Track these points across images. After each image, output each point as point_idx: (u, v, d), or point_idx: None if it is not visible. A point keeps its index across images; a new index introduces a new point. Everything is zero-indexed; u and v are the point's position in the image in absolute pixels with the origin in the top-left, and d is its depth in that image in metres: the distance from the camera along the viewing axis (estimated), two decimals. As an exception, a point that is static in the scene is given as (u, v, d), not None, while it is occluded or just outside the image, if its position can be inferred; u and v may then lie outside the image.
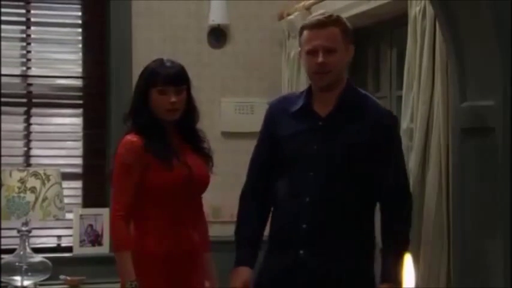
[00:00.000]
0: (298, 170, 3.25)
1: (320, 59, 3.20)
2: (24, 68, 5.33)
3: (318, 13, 3.33)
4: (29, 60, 5.34)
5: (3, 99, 5.10)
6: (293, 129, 3.28)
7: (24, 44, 5.33)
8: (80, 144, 5.34)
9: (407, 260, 2.13)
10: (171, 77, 3.43)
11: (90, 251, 5.15)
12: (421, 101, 3.87)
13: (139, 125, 3.43)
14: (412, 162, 3.93)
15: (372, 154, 3.22)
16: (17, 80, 5.30)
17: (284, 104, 3.38)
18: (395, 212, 3.27)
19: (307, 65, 3.28)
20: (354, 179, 3.23)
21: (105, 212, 5.15)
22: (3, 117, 5.09)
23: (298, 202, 3.24)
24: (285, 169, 3.29)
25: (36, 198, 4.71)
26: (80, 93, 5.36)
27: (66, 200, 4.92)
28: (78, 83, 5.38)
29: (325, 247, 3.21)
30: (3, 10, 5.13)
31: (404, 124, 4.04)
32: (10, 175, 4.72)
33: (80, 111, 5.36)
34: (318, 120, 3.27)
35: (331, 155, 3.22)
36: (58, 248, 5.26)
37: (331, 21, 3.24)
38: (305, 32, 3.28)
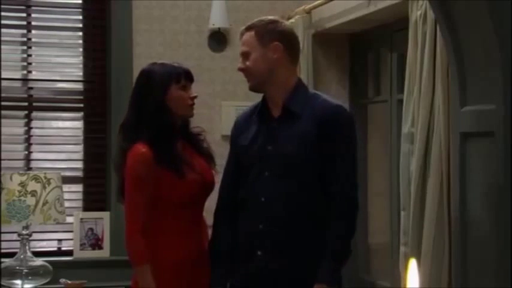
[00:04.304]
0: (256, 172, 3.30)
1: (238, 65, 3.37)
2: (24, 72, 5.33)
3: None
4: (29, 64, 5.34)
5: (3, 103, 5.10)
6: (252, 134, 3.35)
7: (25, 47, 5.34)
8: (80, 147, 5.35)
9: (412, 263, 2.14)
10: (190, 73, 3.47)
11: (90, 254, 5.15)
12: (421, 106, 3.88)
13: (154, 132, 3.35)
14: (413, 166, 3.94)
15: (320, 152, 3.23)
16: (18, 84, 5.30)
17: (248, 115, 3.44)
18: (336, 217, 3.21)
19: None
20: (306, 178, 3.24)
21: (105, 216, 5.16)
22: (3, 121, 5.09)
23: (254, 203, 3.28)
24: (246, 175, 3.34)
25: (37, 202, 4.71)
26: (81, 97, 5.37)
27: (66, 204, 4.92)
28: (79, 86, 5.39)
29: (282, 247, 3.23)
30: (3, 14, 5.13)
31: (405, 128, 4.05)
32: (11, 179, 4.72)
33: (80, 114, 5.37)
34: (271, 122, 3.33)
35: (282, 154, 3.26)
36: (58, 252, 5.27)
37: (247, 27, 3.36)
38: None
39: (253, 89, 3.37)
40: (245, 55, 3.33)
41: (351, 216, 3.25)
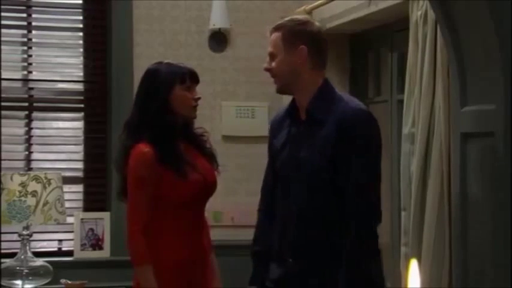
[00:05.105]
0: (287, 178, 3.24)
1: (264, 65, 3.28)
2: (25, 72, 5.33)
3: None
4: (30, 64, 5.34)
5: (4, 104, 5.10)
6: (283, 138, 3.28)
7: (25, 48, 5.34)
8: (81, 148, 5.35)
9: (413, 264, 2.13)
10: (195, 74, 3.48)
11: (91, 255, 5.15)
12: (422, 106, 3.88)
13: (157, 132, 3.36)
14: (413, 166, 3.94)
15: (338, 159, 3.12)
16: (18, 84, 5.30)
17: (281, 116, 3.35)
18: (350, 222, 3.09)
19: None
20: (329, 187, 3.14)
21: (106, 216, 5.16)
22: (4, 121, 5.09)
23: (287, 210, 3.22)
24: (279, 179, 3.29)
25: (37, 202, 4.71)
26: (81, 97, 5.37)
27: (67, 204, 4.93)
28: (79, 87, 5.39)
29: (312, 256, 3.17)
30: (4, 14, 5.13)
31: (406, 129, 4.05)
32: (11, 179, 4.73)
33: (81, 115, 5.37)
34: (300, 125, 3.24)
35: (306, 161, 3.17)
36: (59, 252, 5.26)
37: (275, 27, 3.27)
38: None
39: (280, 91, 3.29)
40: (271, 56, 3.24)
41: (365, 221, 3.11)
